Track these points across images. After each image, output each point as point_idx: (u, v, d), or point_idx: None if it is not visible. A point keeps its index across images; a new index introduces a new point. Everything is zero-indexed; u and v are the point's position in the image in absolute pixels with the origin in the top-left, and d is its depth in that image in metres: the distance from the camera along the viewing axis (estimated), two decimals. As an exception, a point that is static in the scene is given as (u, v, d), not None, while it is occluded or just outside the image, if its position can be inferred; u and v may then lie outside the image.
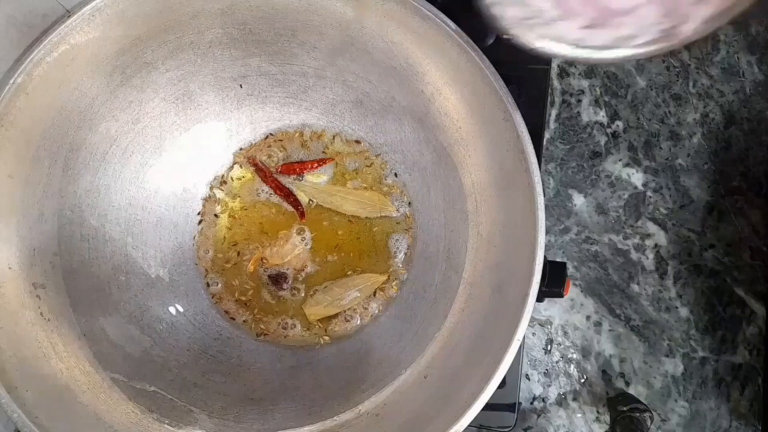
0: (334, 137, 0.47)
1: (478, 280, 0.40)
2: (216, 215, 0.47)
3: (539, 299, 0.35)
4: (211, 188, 0.47)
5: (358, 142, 0.47)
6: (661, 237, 0.54)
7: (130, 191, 0.43)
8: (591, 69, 0.56)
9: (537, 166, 0.35)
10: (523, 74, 0.50)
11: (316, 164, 0.46)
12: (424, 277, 0.45)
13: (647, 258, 0.53)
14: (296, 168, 0.47)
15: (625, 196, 0.54)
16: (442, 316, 0.41)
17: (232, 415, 0.39)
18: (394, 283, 0.46)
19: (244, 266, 0.46)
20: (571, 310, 0.53)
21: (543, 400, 0.52)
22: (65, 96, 0.37)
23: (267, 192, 0.47)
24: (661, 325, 0.52)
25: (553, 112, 0.55)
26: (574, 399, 0.52)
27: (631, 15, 0.25)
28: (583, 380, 0.52)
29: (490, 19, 0.26)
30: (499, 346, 0.34)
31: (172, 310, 0.44)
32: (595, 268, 0.53)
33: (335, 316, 0.45)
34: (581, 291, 0.53)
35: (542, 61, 0.51)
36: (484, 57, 0.36)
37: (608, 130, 0.55)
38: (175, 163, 0.45)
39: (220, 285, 0.46)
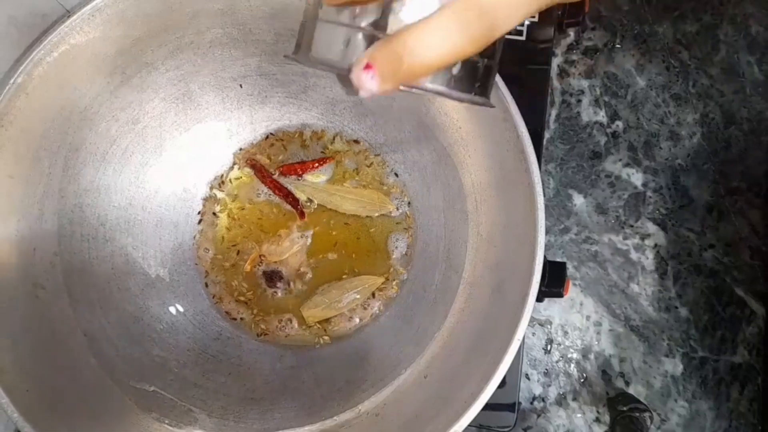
0: (334, 137, 0.47)
1: (478, 280, 0.40)
2: (215, 214, 0.47)
3: (539, 299, 0.35)
4: (211, 188, 0.47)
5: (357, 141, 0.47)
6: (660, 237, 0.54)
7: (130, 191, 0.43)
8: (591, 69, 0.56)
9: (537, 166, 0.35)
10: (523, 74, 0.50)
11: (316, 164, 0.46)
12: (424, 277, 0.45)
13: (647, 258, 0.53)
14: (297, 168, 0.47)
15: (625, 196, 0.54)
16: (442, 316, 0.41)
17: (232, 415, 0.39)
18: (393, 283, 0.46)
19: (243, 266, 0.46)
20: (571, 310, 0.53)
21: (543, 399, 0.52)
22: (65, 96, 0.37)
23: (266, 192, 0.47)
24: (660, 324, 0.52)
25: (553, 112, 0.55)
26: (574, 399, 0.52)
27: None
28: (582, 380, 0.52)
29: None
30: (499, 345, 0.34)
31: (172, 310, 0.44)
32: (595, 268, 0.53)
33: (334, 316, 0.45)
34: (581, 291, 0.53)
35: (542, 61, 0.51)
36: (484, 57, 0.36)
37: (608, 130, 0.55)
38: (175, 163, 0.45)
39: (219, 285, 0.46)
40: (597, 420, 0.51)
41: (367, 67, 0.23)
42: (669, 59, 0.56)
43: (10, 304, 0.35)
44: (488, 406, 0.33)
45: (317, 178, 0.47)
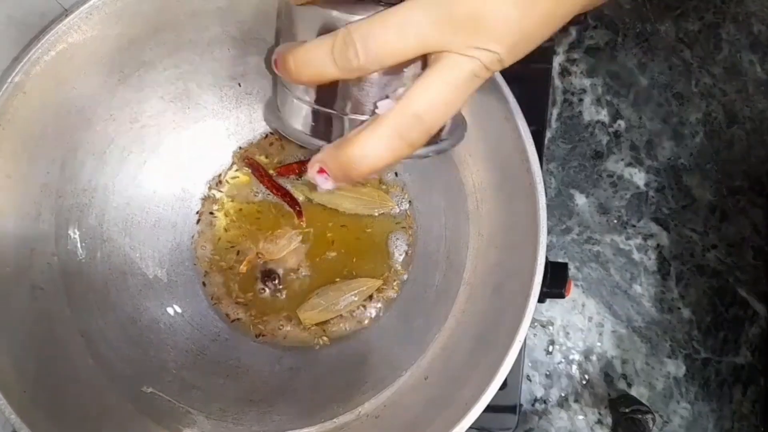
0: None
1: (479, 281, 0.40)
2: (212, 214, 0.46)
3: (541, 300, 0.35)
4: (209, 188, 0.47)
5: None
6: (663, 237, 0.53)
7: (128, 191, 0.43)
8: (592, 68, 0.55)
9: (538, 165, 0.35)
10: (525, 73, 0.50)
11: None
12: (424, 278, 0.44)
13: (649, 258, 0.53)
14: (295, 168, 0.46)
15: (627, 196, 0.54)
16: (443, 317, 0.41)
17: (231, 417, 0.39)
18: (394, 283, 0.45)
19: (240, 267, 0.46)
20: (573, 311, 0.52)
21: (544, 401, 0.52)
22: (63, 95, 0.37)
23: (264, 192, 0.47)
24: (663, 326, 0.52)
25: (555, 112, 0.55)
26: (576, 401, 0.52)
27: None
28: (584, 382, 0.52)
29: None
30: (500, 347, 0.33)
31: (170, 310, 0.44)
32: (597, 268, 0.53)
33: (331, 319, 0.44)
34: (583, 292, 0.53)
35: (544, 60, 0.51)
36: (485, 56, 0.36)
37: (610, 130, 0.55)
38: (173, 163, 0.45)
39: (217, 286, 0.46)
40: (599, 422, 0.51)
41: (321, 170, 0.26)
42: (671, 58, 0.55)
43: (7, 304, 0.35)
44: (489, 408, 0.33)
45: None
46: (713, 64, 0.55)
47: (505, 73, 0.36)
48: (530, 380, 0.52)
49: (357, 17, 0.25)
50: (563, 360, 0.52)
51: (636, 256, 0.53)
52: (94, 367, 0.37)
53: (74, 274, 0.39)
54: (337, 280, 0.45)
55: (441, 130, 0.29)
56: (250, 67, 0.44)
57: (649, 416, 0.47)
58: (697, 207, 0.54)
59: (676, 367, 0.52)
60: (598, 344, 0.52)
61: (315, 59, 0.25)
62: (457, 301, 0.40)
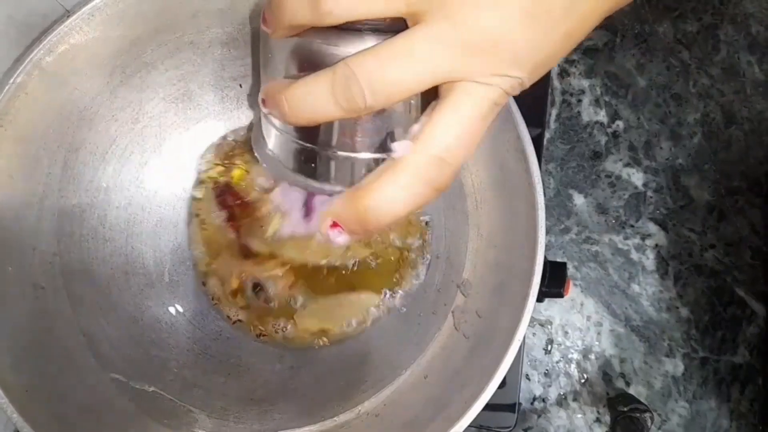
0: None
1: (478, 280, 0.40)
2: (198, 216, 0.46)
3: (539, 299, 0.35)
4: (193, 188, 0.46)
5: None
6: (661, 237, 0.53)
7: (129, 191, 0.43)
8: (591, 69, 0.56)
9: (537, 165, 0.35)
10: (524, 74, 0.50)
11: None
12: (424, 278, 0.45)
13: (648, 258, 0.53)
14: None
15: (626, 196, 0.54)
16: (442, 317, 0.41)
17: (232, 416, 0.39)
18: (396, 287, 0.45)
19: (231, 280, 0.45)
20: (572, 311, 0.53)
21: (543, 400, 0.52)
22: (65, 96, 0.37)
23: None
24: (661, 325, 0.52)
25: (554, 112, 0.55)
26: (575, 399, 0.52)
27: None
28: (583, 380, 0.52)
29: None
30: (499, 346, 0.34)
31: (171, 310, 0.44)
32: (596, 268, 0.53)
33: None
34: (581, 291, 0.53)
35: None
36: (485, 57, 0.36)
37: (608, 130, 0.55)
38: (175, 163, 0.45)
39: (217, 286, 0.46)
40: (597, 420, 0.51)
41: (334, 224, 0.23)
42: (669, 59, 0.56)
43: (9, 304, 0.35)
44: (488, 407, 0.33)
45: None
46: (711, 65, 0.56)
47: (504, 74, 0.36)
48: (529, 379, 0.52)
49: (355, 48, 0.22)
50: (562, 359, 0.52)
51: (634, 255, 0.53)
52: (95, 366, 0.37)
53: (76, 273, 0.39)
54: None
55: None
56: (251, 68, 0.44)
57: (647, 415, 0.48)
58: (695, 207, 0.54)
59: (674, 366, 0.52)
60: (597, 343, 0.52)
61: (312, 99, 0.22)
62: (457, 301, 0.41)
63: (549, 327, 0.52)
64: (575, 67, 0.56)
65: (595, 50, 0.56)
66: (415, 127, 0.23)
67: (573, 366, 0.52)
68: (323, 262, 0.44)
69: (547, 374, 0.52)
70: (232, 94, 0.45)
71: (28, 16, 0.38)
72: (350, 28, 0.22)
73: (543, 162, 0.52)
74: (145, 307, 0.42)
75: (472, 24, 0.20)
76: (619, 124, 0.55)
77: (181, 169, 0.46)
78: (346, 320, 0.44)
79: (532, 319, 0.52)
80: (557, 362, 0.52)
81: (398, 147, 0.23)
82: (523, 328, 0.33)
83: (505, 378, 0.33)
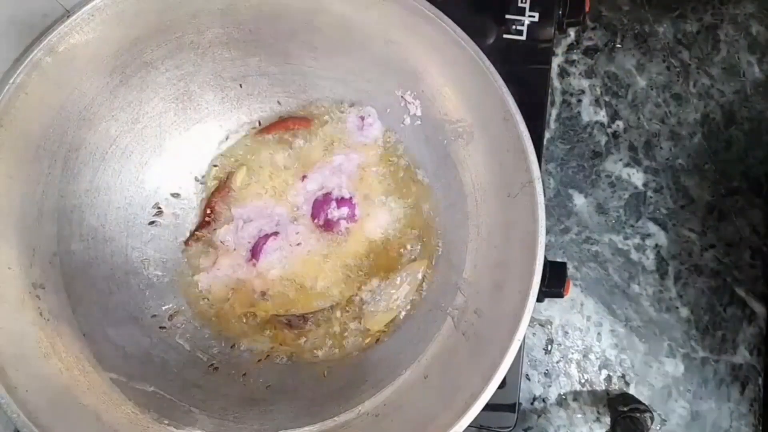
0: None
1: (478, 280, 0.40)
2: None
3: (539, 299, 0.35)
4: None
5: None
6: (661, 237, 0.53)
7: (129, 191, 0.43)
8: (591, 69, 0.56)
9: (537, 165, 0.35)
10: (524, 74, 0.50)
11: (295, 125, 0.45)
12: (428, 276, 0.45)
13: (648, 258, 0.53)
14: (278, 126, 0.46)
15: (626, 196, 0.54)
16: (442, 316, 0.41)
17: (232, 416, 0.39)
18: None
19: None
20: (572, 311, 0.53)
21: (543, 400, 0.52)
22: (65, 96, 0.37)
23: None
24: (661, 325, 0.52)
25: (554, 112, 0.55)
26: (575, 399, 0.52)
27: None
28: (583, 380, 0.52)
29: None
30: (499, 346, 0.34)
31: (171, 310, 0.44)
32: (596, 268, 0.53)
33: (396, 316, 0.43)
34: (581, 291, 0.53)
35: (543, 60, 0.51)
36: (485, 57, 0.36)
37: (608, 130, 0.55)
38: (175, 163, 0.45)
39: (214, 288, 0.46)
40: (597, 420, 0.51)
41: None
42: (669, 59, 0.56)
43: (10, 304, 0.35)
44: (488, 407, 0.33)
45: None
46: (711, 65, 0.56)
47: (504, 73, 0.36)
48: (529, 379, 0.52)
49: None
50: (562, 359, 0.52)
51: (634, 255, 0.53)
52: (96, 366, 0.37)
53: (76, 273, 0.39)
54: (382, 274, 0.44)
55: None
56: (251, 68, 0.44)
57: (647, 415, 0.48)
58: (695, 207, 0.54)
59: (674, 366, 0.52)
60: (597, 343, 0.52)
61: None
62: (457, 301, 0.40)
63: (549, 327, 0.52)
64: (575, 67, 0.56)
65: (595, 50, 0.56)
66: None
67: (573, 366, 0.52)
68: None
69: (547, 374, 0.52)
70: (232, 94, 0.45)
71: (28, 16, 0.38)
72: None
73: (543, 162, 0.52)
74: (146, 307, 0.42)
75: None
76: (619, 124, 0.55)
77: (181, 170, 0.46)
78: (406, 298, 0.43)
79: (532, 319, 0.52)
80: (557, 362, 0.52)
81: None
82: (523, 328, 0.33)
83: (505, 378, 0.33)
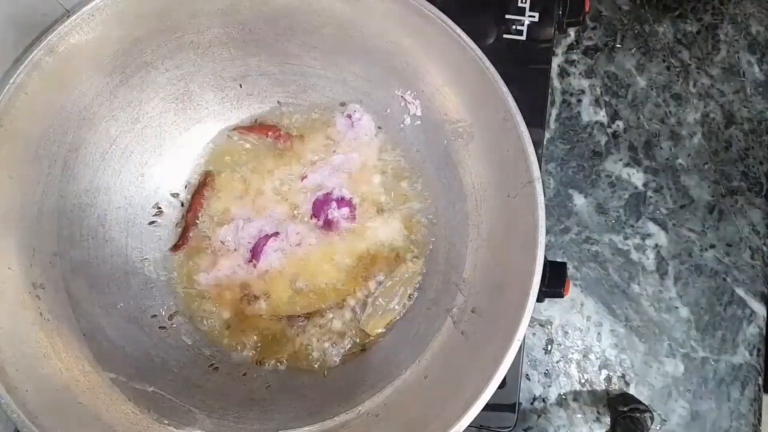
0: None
1: (478, 280, 0.40)
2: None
3: (539, 299, 0.35)
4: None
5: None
6: (661, 237, 0.53)
7: (129, 191, 0.43)
8: (591, 69, 0.56)
9: (537, 165, 0.35)
10: (524, 74, 0.50)
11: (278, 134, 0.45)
12: (425, 276, 0.45)
13: (647, 258, 0.53)
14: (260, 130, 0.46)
15: (626, 196, 0.54)
16: (443, 316, 0.41)
17: (232, 416, 0.39)
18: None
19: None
20: (572, 311, 0.53)
21: (543, 400, 0.52)
22: (65, 96, 0.37)
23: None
24: (661, 325, 0.52)
25: (554, 112, 0.55)
26: (575, 399, 0.52)
27: None
28: (583, 380, 0.52)
29: None
30: (500, 346, 0.34)
31: (171, 310, 0.44)
32: (596, 268, 0.53)
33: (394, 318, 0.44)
34: (581, 291, 0.53)
35: (542, 60, 0.51)
36: (485, 57, 0.36)
37: (608, 130, 0.55)
38: (175, 163, 0.45)
39: (215, 288, 0.46)
40: (597, 420, 0.51)
41: None
42: (669, 59, 0.56)
43: (10, 304, 0.35)
44: (488, 407, 0.33)
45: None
46: (711, 65, 0.56)
47: (504, 73, 0.36)
48: (529, 379, 0.52)
49: None
50: (562, 359, 0.52)
51: (634, 255, 0.53)
52: (95, 366, 0.37)
53: (76, 273, 0.39)
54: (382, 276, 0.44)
55: None
56: (251, 68, 0.44)
57: (647, 415, 0.48)
58: (695, 207, 0.54)
59: (674, 366, 0.52)
60: (597, 343, 0.52)
61: None
62: (457, 301, 0.40)
63: (549, 327, 0.52)
64: (575, 67, 0.56)
65: (595, 50, 0.56)
66: None
67: (573, 366, 0.52)
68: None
69: (547, 374, 0.52)
70: (232, 94, 0.45)
71: (28, 16, 0.38)
72: None
73: (543, 162, 0.52)
74: (145, 306, 0.42)
75: None
76: (619, 124, 0.55)
77: (181, 169, 0.46)
78: (401, 300, 0.43)
79: (532, 319, 0.52)
80: (557, 362, 0.52)
81: None
82: (523, 328, 0.33)
83: (505, 378, 0.33)
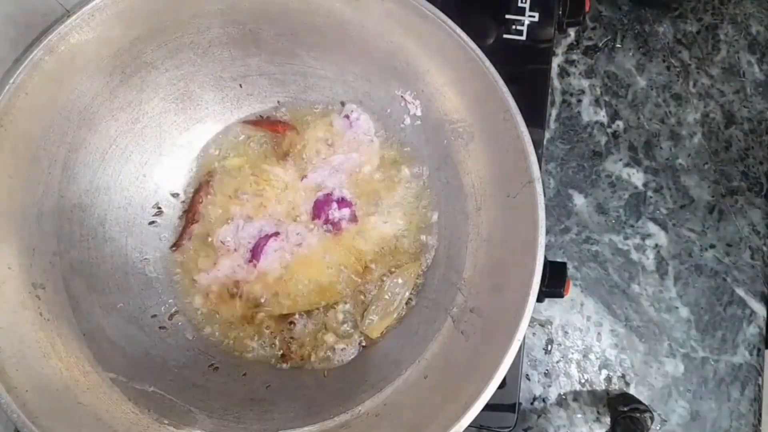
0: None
1: (478, 280, 0.40)
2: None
3: (539, 299, 0.35)
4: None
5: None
6: (661, 237, 0.53)
7: (129, 191, 0.43)
8: (591, 69, 0.56)
9: (537, 165, 0.35)
10: (524, 74, 0.50)
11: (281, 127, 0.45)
12: (424, 277, 0.45)
13: (647, 258, 0.53)
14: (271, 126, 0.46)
15: (626, 196, 0.54)
16: (443, 316, 0.41)
17: (232, 416, 0.39)
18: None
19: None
20: (572, 311, 0.53)
21: (543, 400, 0.52)
22: (65, 96, 0.37)
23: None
24: (661, 325, 0.52)
25: (554, 112, 0.55)
26: (575, 399, 0.52)
27: None
28: (583, 380, 0.52)
29: None
30: (500, 346, 0.34)
31: (171, 310, 0.44)
32: (596, 268, 0.53)
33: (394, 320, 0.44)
34: (581, 291, 0.53)
35: (542, 60, 0.51)
36: (485, 57, 0.36)
37: (608, 130, 0.55)
38: (174, 163, 0.45)
39: (215, 288, 0.46)
40: (597, 420, 0.51)
41: None
42: (669, 59, 0.56)
43: (10, 304, 0.35)
44: (488, 407, 0.33)
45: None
46: (711, 65, 0.56)
47: (504, 73, 0.36)
48: (529, 379, 0.52)
49: None
50: (562, 359, 0.52)
51: (634, 255, 0.53)
52: (96, 366, 0.37)
53: (76, 273, 0.39)
54: (384, 278, 0.44)
55: None
56: (251, 68, 0.44)
57: (647, 415, 0.48)
58: (695, 207, 0.54)
59: (674, 366, 0.52)
60: (597, 343, 0.52)
61: None
62: (457, 300, 0.40)
63: (549, 327, 0.52)
64: (575, 67, 0.56)
65: (595, 50, 0.56)
66: None
67: (573, 366, 0.52)
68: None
69: (547, 374, 0.52)
70: (232, 94, 0.45)
71: (28, 16, 0.38)
72: None
73: (543, 162, 0.52)
74: (145, 306, 0.42)
75: None
76: (619, 124, 0.55)
77: (181, 170, 0.46)
78: (402, 302, 0.44)
79: (532, 319, 0.52)
80: (557, 362, 0.52)
81: None
82: (523, 328, 0.33)
83: (505, 378, 0.33)
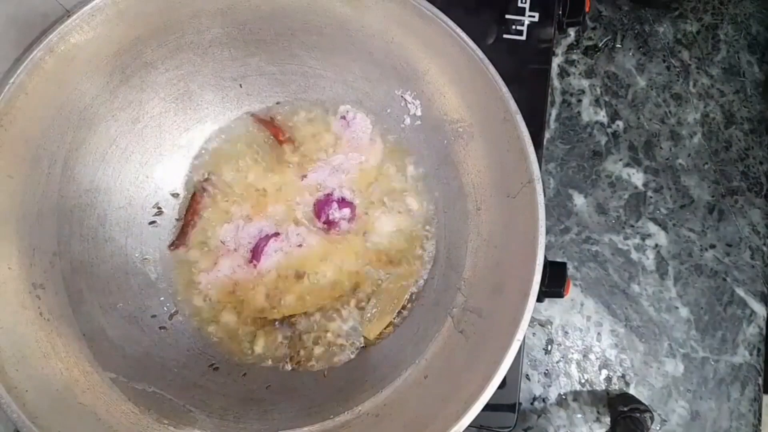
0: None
1: (478, 280, 0.40)
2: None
3: (539, 299, 0.35)
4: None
5: (358, 142, 0.47)
6: (661, 237, 0.53)
7: (129, 191, 0.43)
8: (591, 69, 0.56)
9: (537, 165, 0.35)
10: (524, 74, 0.50)
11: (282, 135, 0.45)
12: (424, 277, 0.45)
13: (647, 258, 0.53)
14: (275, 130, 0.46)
15: (626, 196, 0.54)
16: (442, 317, 0.41)
17: (232, 416, 0.39)
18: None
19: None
20: (572, 311, 0.53)
21: (543, 400, 0.52)
22: (65, 96, 0.37)
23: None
24: (661, 325, 0.52)
25: (554, 112, 0.55)
26: (575, 399, 0.52)
27: None
28: (583, 380, 0.52)
29: None
30: (500, 346, 0.34)
31: (171, 310, 0.44)
32: (596, 268, 0.53)
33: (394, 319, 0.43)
34: (581, 291, 0.53)
35: (542, 60, 0.51)
36: (485, 57, 0.36)
37: (608, 130, 0.55)
38: (174, 163, 0.45)
39: (215, 288, 0.46)
40: (597, 420, 0.51)
41: None
42: (669, 59, 0.56)
43: (10, 304, 0.35)
44: (488, 407, 0.33)
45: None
46: (711, 65, 0.56)
47: (504, 73, 0.36)
48: (529, 379, 0.52)
49: None
50: (562, 359, 0.52)
51: (634, 255, 0.53)
52: (96, 366, 0.37)
53: (76, 274, 0.39)
54: (381, 281, 0.44)
55: None
56: (251, 68, 0.44)
57: (647, 415, 0.48)
58: (695, 207, 0.54)
59: (674, 366, 0.52)
60: (597, 343, 0.52)
61: None
62: (457, 301, 0.40)
63: (549, 327, 0.52)
64: (575, 67, 0.56)
65: (595, 50, 0.56)
66: None
67: (573, 366, 0.52)
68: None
69: (547, 374, 0.52)
70: (232, 94, 0.45)
71: (28, 16, 0.38)
72: None
73: (543, 162, 0.52)
74: (145, 306, 0.42)
75: None
76: (619, 124, 0.55)
77: (181, 170, 0.46)
78: (399, 305, 0.44)
79: (532, 319, 0.52)
80: (557, 362, 0.52)
81: None
82: (523, 328, 0.33)
83: (505, 378, 0.33)
